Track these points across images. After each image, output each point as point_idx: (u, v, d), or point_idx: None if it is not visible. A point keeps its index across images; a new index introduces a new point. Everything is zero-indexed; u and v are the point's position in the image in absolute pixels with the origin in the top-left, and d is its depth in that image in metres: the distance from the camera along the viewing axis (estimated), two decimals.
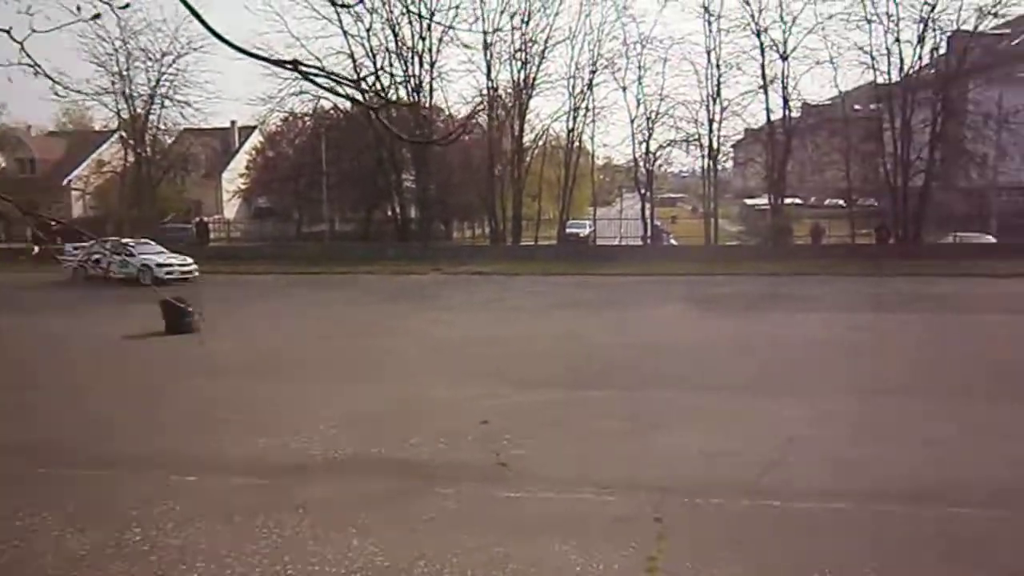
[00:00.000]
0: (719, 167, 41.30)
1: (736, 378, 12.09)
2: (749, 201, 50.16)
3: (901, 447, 8.71)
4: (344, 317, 20.43)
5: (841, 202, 42.95)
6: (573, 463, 8.23)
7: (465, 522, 6.67)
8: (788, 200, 40.58)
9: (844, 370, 12.83)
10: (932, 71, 36.20)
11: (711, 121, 37.05)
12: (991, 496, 7.16)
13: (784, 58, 35.83)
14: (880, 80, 36.54)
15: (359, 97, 9.12)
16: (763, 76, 36.14)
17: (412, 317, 19.84)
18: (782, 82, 36.44)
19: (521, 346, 15.24)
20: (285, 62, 3.54)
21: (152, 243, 29.83)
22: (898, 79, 35.58)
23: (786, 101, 36.61)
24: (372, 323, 19.08)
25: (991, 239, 35.11)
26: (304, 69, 3.61)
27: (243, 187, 49.09)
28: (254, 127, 49.78)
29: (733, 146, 44.01)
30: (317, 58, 31.25)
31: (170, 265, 27.75)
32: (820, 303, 20.70)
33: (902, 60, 36.07)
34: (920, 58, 35.88)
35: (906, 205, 35.34)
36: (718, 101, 36.82)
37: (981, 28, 34.83)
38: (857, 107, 42.20)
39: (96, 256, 24.90)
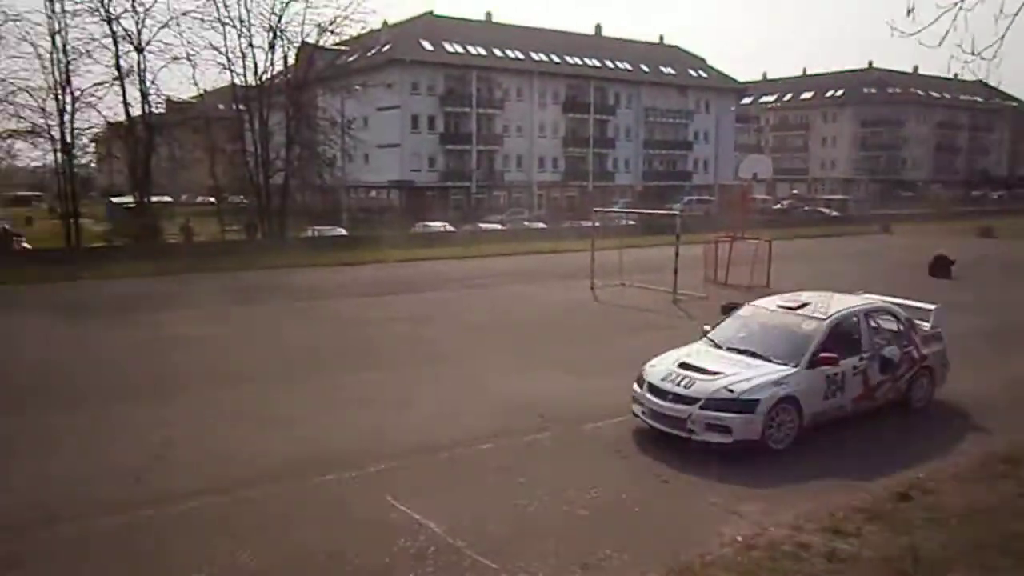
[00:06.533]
0: (78, 162, 38.09)
1: (103, 392, 11.78)
2: (115, 199, 47.53)
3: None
4: None
5: (212, 199, 43.80)
6: None
7: None
8: (156, 198, 39.71)
9: (218, 366, 13.52)
10: (285, 77, 39.33)
11: (62, 112, 33.82)
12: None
13: (139, 50, 34.68)
14: (238, 81, 38.29)
15: None
16: (118, 67, 34.46)
17: None
18: (139, 75, 35.30)
19: None
20: None
21: None
22: (254, 82, 37.76)
23: (145, 95, 35.55)
24: None
25: (343, 231, 40.07)
26: None
27: None
28: None
29: (94, 140, 41.04)
30: None
31: None
32: (190, 300, 20.88)
33: (256, 64, 38.51)
34: (272, 64, 38.69)
35: (269, 202, 37.89)
36: (69, 90, 33.87)
37: (323, 43, 39.12)
38: (221, 106, 43.49)
39: None
